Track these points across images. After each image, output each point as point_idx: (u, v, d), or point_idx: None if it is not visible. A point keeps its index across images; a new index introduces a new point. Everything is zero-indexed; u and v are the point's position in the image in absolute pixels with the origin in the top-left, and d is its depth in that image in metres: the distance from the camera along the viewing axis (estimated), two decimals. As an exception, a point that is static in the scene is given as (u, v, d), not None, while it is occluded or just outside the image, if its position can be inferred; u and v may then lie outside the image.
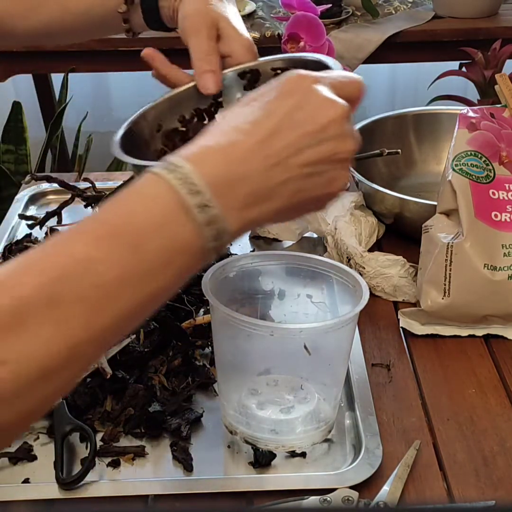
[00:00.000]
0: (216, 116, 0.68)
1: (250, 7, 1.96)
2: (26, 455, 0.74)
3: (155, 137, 0.72)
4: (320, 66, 0.70)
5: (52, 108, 2.11)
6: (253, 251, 1.04)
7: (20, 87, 2.37)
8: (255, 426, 0.74)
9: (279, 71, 0.73)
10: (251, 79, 0.74)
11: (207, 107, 0.75)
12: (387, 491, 0.69)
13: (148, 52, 0.77)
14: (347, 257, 0.95)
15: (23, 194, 1.18)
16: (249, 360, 0.76)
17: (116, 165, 2.01)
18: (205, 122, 0.74)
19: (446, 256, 0.86)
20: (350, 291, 0.75)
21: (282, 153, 0.51)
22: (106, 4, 0.82)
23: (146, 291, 0.47)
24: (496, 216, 0.87)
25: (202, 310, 0.88)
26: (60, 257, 0.46)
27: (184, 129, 0.73)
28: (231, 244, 0.99)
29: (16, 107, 1.87)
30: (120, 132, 0.68)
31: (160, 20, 0.81)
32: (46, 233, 1.03)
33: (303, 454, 0.74)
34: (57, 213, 1.04)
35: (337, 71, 0.62)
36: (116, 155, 0.64)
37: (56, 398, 0.59)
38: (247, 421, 0.74)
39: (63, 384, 0.47)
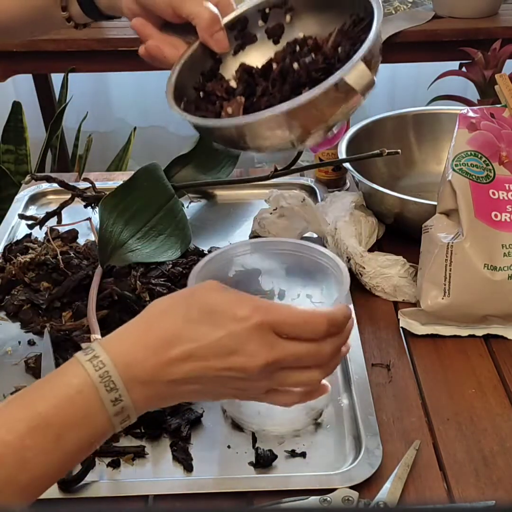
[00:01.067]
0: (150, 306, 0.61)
1: (250, 7, 1.96)
2: (26, 455, 0.74)
3: (190, 107, 0.70)
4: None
5: (52, 108, 2.11)
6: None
7: (20, 87, 2.37)
8: (244, 406, 0.75)
9: (267, 11, 0.72)
10: (241, 28, 0.73)
11: (210, 67, 0.72)
12: (387, 491, 0.69)
13: (138, 21, 0.71)
14: (347, 257, 0.95)
15: (23, 194, 1.18)
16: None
17: (116, 165, 2.02)
18: (214, 81, 0.71)
19: (446, 256, 0.86)
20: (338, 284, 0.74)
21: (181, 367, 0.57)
22: None
23: (65, 467, 0.57)
24: (496, 216, 0.87)
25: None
26: None
27: (202, 94, 0.71)
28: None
29: (16, 107, 1.87)
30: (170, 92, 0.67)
31: (96, 9, 0.77)
32: (46, 233, 1.03)
33: (303, 454, 0.74)
34: (57, 213, 1.05)
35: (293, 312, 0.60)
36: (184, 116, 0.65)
37: None
38: (239, 402, 0.75)
39: None
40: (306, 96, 0.60)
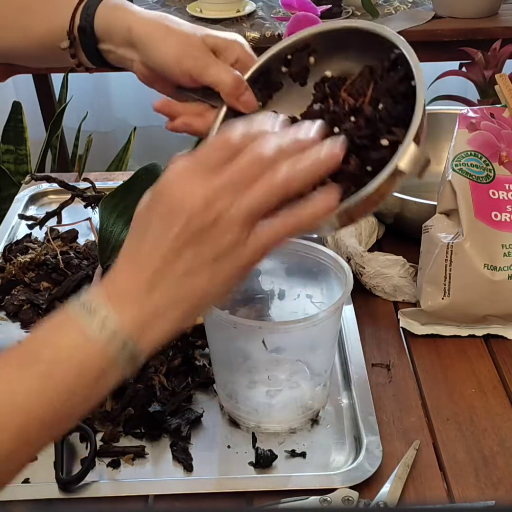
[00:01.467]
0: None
1: (250, 7, 1.96)
2: (26, 455, 0.74)
3: None
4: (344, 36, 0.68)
5: (52, 108, 2.11)
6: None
7: (20, 87, 2.37)
8: (241, 403, 0.76)
9: (289, 57, 0.71)
10: (265, 80, 0.71)
11: None
12: (387, 491, 0.69)
13: (162, 104, 0.71)
14: (347, 257, 0.95)
15: (23, 194, 1.18)
16: (239, 355, 0.77)
17: (116, 165, 2.02)
18: None
19: (446, 256, 0.86)
20: (342, 284, 0.75)
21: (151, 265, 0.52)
22: (55, 37, 0.77)
23: (62, 414, 0.51)
24: (496, 216, 0.87)
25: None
26: None
27: None
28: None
29: (16, 107, 1.88)
30: None
31: (104, 60, 0.77)
32: (46, 233, 1.03)
33: (303, 454, 0.74)
34: (57, 213, 1.05)
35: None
36: None
37: None
38: (237, 398, 0.76)
39: None
40: (362, 194, 0.58)
